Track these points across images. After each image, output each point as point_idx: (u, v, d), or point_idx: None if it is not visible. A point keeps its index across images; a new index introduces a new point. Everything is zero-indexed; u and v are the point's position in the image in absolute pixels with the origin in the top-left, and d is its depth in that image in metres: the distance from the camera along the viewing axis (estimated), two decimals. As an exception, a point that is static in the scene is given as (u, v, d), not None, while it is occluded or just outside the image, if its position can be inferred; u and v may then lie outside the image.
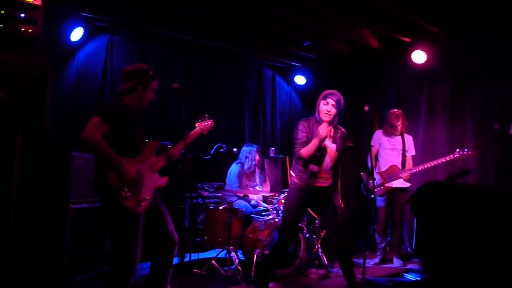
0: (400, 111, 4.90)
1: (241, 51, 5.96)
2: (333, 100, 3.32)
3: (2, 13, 3.24)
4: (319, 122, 3.37)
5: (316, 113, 3.40)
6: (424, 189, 1.36)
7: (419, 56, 5.23)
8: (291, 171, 3.49)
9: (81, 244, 3.83)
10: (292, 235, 3.87)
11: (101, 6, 4.59)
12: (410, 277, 4.20)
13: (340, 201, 3.57)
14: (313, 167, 3.29)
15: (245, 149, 5.02)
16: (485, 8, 4.45)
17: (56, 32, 4.37)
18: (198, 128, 3.22)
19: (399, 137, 4.85)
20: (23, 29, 3.40)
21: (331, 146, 3.39)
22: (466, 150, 4.42)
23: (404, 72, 5.56)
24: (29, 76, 3.42)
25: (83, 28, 4.57)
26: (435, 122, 5.30)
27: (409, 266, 4.65)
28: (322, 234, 4.48)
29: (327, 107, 3.32)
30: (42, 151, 3.61)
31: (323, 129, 3.27)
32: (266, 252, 3.97)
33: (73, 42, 4.58)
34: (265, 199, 5.01)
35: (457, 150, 4.44)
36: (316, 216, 4.42)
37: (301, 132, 3.36)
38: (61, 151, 3.90)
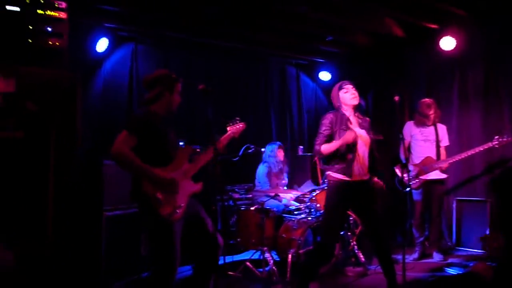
0: (431, 100, 4.73)
1: (263, 50, 5.93)
2: (350, 84, 3.36)
3: (31, 28, 3.34)
4: (346, 109, 3.34)
5: (339, 104, 3.36)
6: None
7: (447, 43, 5.03)
8: (326, 170, 3.34)
9: (117, 251, 3.87)
10: (338, 237, 3.79)
11: (123, 16, 4.68)
12: (452, 271, 4.03)
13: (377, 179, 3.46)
14: (349, 155, 3.21)
15: (268, 148, 5.00)
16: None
17: (82, 44, 4.48)
18: (230, 132, 3.20)
19: (432, 128, 4.69)
20: (50, 43, 3.49)
21: (361, 133, 3.31)
22: (505, 136, 4.21)
23: (432, 60, 5.36)
24: (57, 88, 3.51)
25: (108, 38, 4.66)
26: (469, 110, 5.08)
27: (450, 260, 4.47)
28: (357, 231, 4.37)
29: (348, 92, 3.33)
30: (75, 161, 3.69)
31: (350, 135, 3.16)
32: (301, 251, 3.91)
33: (99, 53, 4.68)
34: (296, 198, 4.93)
35: (496, 137, 4.24)
36: (349, 213, 4.31)
37: (324, 125, 3.30)
38: (93, 160, 3.97)
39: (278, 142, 5.06)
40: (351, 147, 3.21)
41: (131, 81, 5.07)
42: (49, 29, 3.48)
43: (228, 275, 3.97)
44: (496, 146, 4.22)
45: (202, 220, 2.87)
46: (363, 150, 3.29)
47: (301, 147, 5.98)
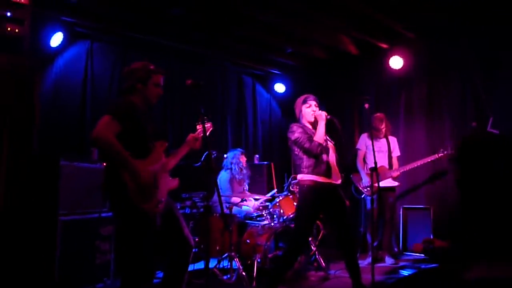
0: (383, 114, 5.05)
1: (222, 57, 5.93)
2: (313, 100, 3.48)
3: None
4: (310, 124, 3.46)
5: (302, 119, 3.48)
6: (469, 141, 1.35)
7: (396, 62, 5.45)
8: (299, 175, 3.36)
9: (71, 259, 3.57)
10: (307, 240, 3.84)
11: (83, 10, 4.42)
12: (406, 273, 4.27)
13: None
14: (326, 157, 3.30)
15: (229, 154, 4.97)
16: (458, 11, 4.73)
17: (36, 35, 4.13)
18: (200, 130, 3.14)
19: (384, 139, 5.00)
20: (9, 29, 3.21)
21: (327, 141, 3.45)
22: (448, 149, 4.64)
23: (382, 77, 5.75)
24: (14, 76, 3.22)
25: (63, 33, 4.36)
26: (414, 124, 5.52)
27: (401, 264, 4.74)
28: (319, 236, 4.47)
29: (311, 108, 3.45)
30: (30, 160, 3.37)
31: (322, 113, 3.35)
32: (269, 255, 3.91)
33: (52, 48, 4.35)
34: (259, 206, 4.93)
35: (441, 149, 4.66)
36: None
37: (297, 132, 3.37)
38: (48, 161, 3.64)
39: (240, 149, 5.05)
40: (326, 150, 3.32)
41: (85, 80, 4.78)
42: (9, 14, 3.20)
43: (194, 283, 3.83)
44: (442, 158, 4.64)
45: (176, 218, 2.76)
46: (332, 155, 3.41)
47: (257, 155, 6.03)
